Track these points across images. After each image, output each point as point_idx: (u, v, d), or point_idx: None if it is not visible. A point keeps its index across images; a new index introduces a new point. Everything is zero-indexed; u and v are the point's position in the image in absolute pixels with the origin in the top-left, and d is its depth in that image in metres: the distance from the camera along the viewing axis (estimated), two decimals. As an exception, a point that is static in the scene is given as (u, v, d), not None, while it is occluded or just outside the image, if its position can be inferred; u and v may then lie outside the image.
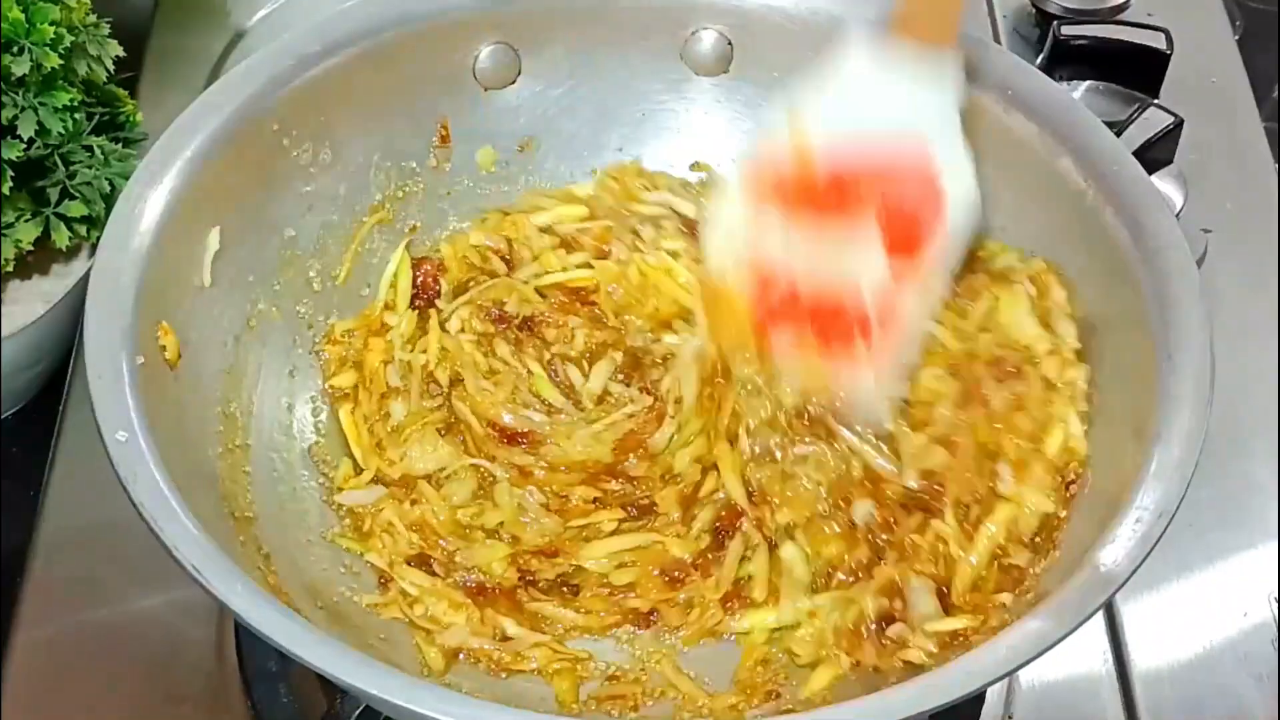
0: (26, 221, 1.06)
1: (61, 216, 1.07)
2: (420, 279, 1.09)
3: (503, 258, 1.10)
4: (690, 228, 1.10)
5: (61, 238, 1.07)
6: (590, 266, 1.09)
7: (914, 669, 0.87)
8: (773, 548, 0.97)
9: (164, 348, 0.90)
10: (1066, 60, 1.33)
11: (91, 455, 0.84)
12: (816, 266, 0.94)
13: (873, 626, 0.90)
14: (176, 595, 1.02)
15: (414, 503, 1.00)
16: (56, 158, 1.06)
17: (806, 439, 0.97)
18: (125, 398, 0.84)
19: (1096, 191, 0.97)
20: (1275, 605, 1.05)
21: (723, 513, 0.99)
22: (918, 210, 0.94)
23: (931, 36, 0.95)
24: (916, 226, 0.94)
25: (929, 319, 0.98)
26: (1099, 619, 1.03)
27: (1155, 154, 1.22)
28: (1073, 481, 0.92)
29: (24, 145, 1.03)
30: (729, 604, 0.96)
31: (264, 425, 1.00)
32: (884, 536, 0.94)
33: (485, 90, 1.10)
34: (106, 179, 1.08)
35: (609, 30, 1.10)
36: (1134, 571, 0.80)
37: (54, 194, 1.07)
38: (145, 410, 0.84)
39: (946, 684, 0.76)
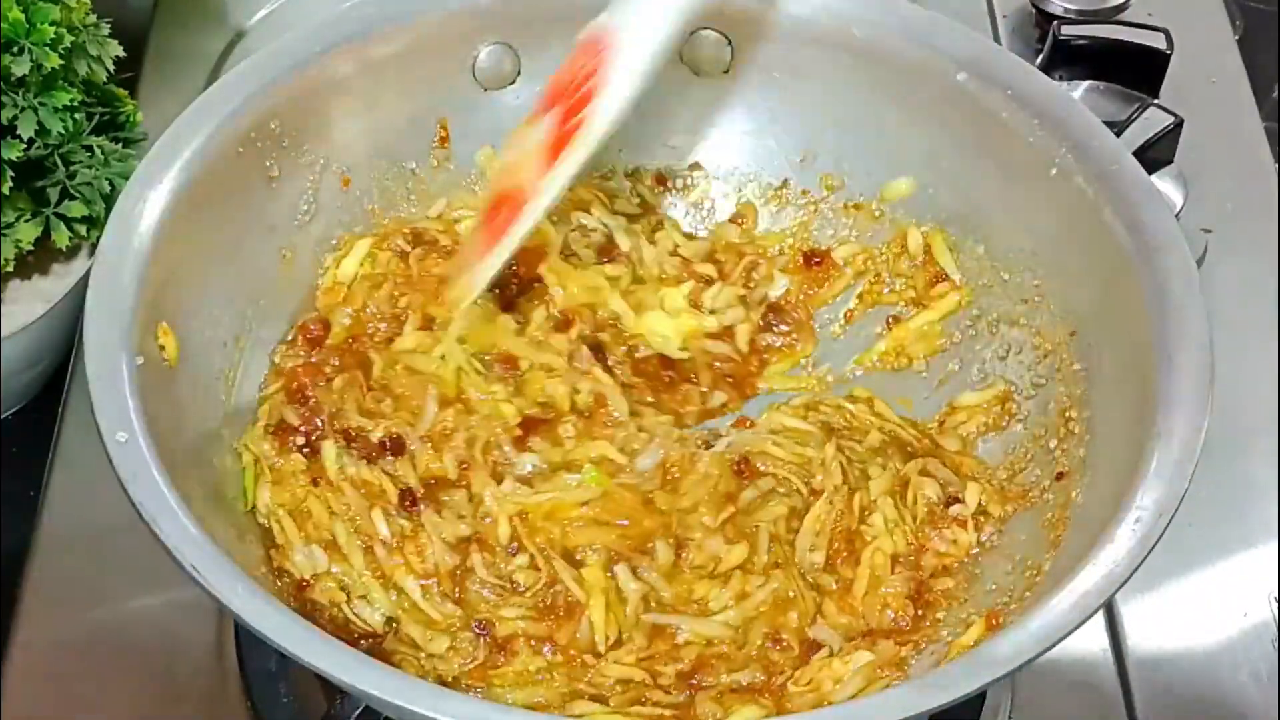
0: (26, 221, 1.06)
1: (61, 216, 1.07)
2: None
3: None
4: (608, 256, 1.08)
5: (61, 238, 1.07)
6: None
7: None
8: None
9: (164, 348, 0.90)
10: (1066, 60, 1.32)
11: (91, 455, 0.84)
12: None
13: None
14: (176, 595, 1.02)
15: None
16: (56, 158, 1.06)
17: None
18: (125, 398, 0.84)
19: (1096, 191, 0.97)
20: (1275, 605, 1.05)
21: None
22: (587, 80, 0.99)
23: None
24: (585, 95, 0.98)
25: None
26: (1099, 619, 1.03)
27: (1155, 154, 1.22)
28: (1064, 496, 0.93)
29: (24, 145, 1.03)
30: None
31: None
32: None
33: (485, 90, 1.10)
34: (106, 179, 1.08)
35: (609, 30, 1.10)
36: (1134, 571, 0.80)
37: (54, 194, 1.07)
38: (145, 410, 0.84)
39: (946, 684, 0.76)
